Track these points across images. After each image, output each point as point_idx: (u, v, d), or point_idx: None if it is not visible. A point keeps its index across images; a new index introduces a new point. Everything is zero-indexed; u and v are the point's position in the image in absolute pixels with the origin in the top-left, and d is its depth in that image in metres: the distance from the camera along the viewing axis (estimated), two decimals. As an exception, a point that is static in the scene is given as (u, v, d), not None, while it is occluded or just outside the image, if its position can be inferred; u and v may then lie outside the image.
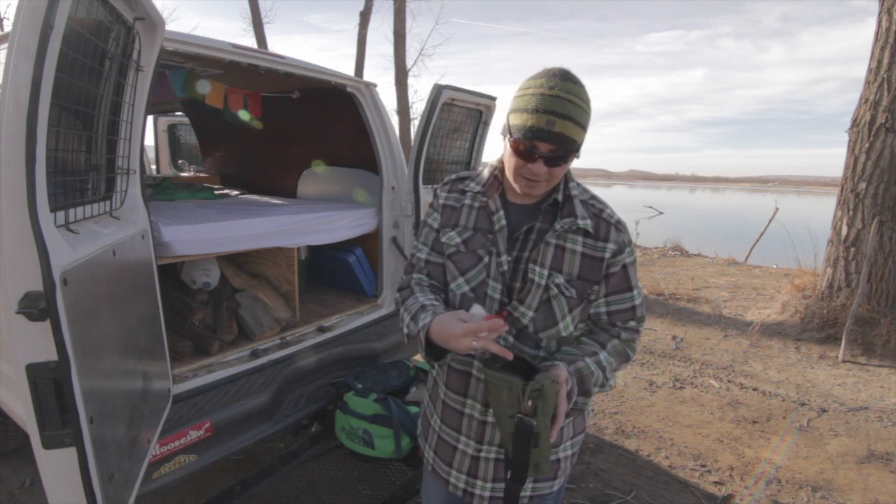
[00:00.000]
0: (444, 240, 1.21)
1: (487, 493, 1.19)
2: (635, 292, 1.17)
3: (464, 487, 1.23)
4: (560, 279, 1.11)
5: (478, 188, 1.20)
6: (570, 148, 1.02)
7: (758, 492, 2.50)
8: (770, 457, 2.79)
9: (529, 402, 0.95)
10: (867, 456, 2.79)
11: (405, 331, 1.13)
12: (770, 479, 2.60)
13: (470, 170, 3.06)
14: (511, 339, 1.15)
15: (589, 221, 1.12)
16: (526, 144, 1.03)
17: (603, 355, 1.13)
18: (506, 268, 1.13)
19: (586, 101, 1.02)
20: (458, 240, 1.18)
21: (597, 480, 2.54)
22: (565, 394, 1.01)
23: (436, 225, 1.24)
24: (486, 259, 1.15)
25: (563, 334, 1.14)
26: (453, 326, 0.98)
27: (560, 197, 1.13)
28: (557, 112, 0.98)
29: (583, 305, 1.15)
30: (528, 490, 1.20)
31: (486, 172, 1.21)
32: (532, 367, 1.01)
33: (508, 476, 1.04)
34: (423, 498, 1.43)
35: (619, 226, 1.15)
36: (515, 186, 1.11)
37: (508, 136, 1.07)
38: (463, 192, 1.23)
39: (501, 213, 1.16)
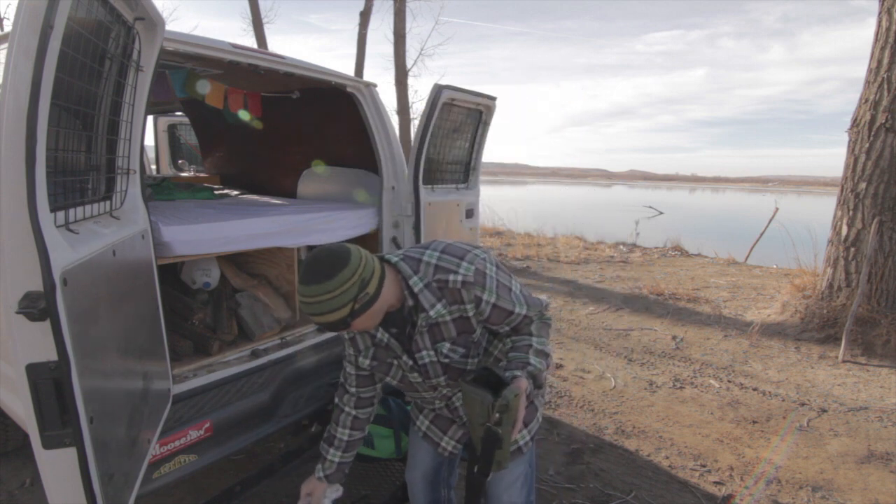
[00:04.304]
0: (358, 364, 1.52)
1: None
2: (517, 309, 1.37)
3: (451, 450, 1.64)
4: (445, 346, 1.38)
5: None
6: (345, 321, 1.23)
7: (758, 492, 2.50)
8: (770, 457, 2.79)
9: (497, 415, 1.15)
10: (867, 456, 2.79)
11: (322, 441, 1.64)
12: (770, 479, 2.60)
13: (470, 169, 3.11)
14: (445, 390, 1.50)
15: (439, 306, 1.33)
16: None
17: (535, 341, 1.37)
18: (411, 363, 1.43)
19: (328, 289, 1.19)
20: (367, 361, 1.49)
21: (597, 480, 2.55)
22: (524, 398, 1.21)
23: (351, 352, 1.53)
24: (395, 362, 1.45)
25: (472, 366, 1.43)
26: (302, 490, 1.61)
27: (410, 301, 1.34)
28: (314, 313, 1.23)
29: (473, 347, 1.42)
30: (527, 435, 1.54)
31: None
32: (501, 380, 1.21)
33: (475, 470, 1.28)
34: (409, 456, 1.72)
35: (466, 285, 1.31)
36: None
37: None
38: None
39: (381, 330, 1.42)
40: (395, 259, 1.36)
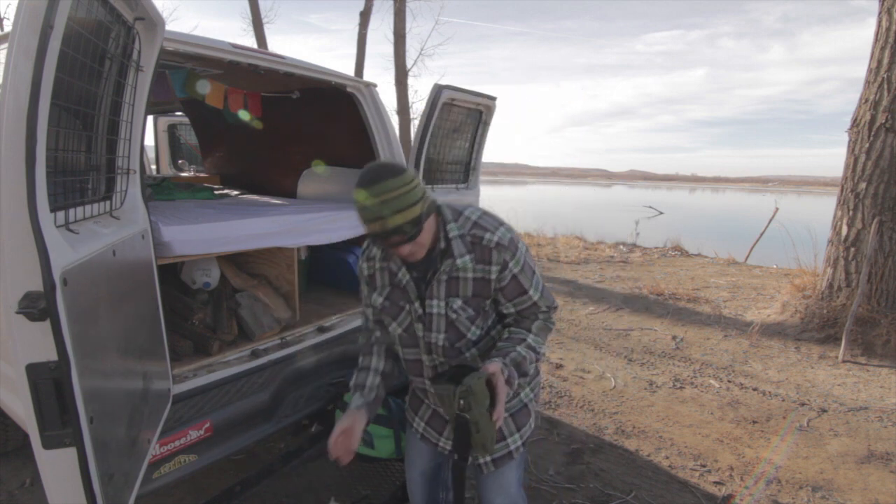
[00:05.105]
0: (371, 302, 1.50)
1: (489, 458, 1.49)
2: (531, 292, 1.39)
3: (450, 450, 1.53)
4: (457, 302, 1.37)
5: (380, 254, 1.45)
6: (412, 227, 1.22)
7: (758, 492, 2.50)
8: (770, 457, 2.79)
9: (461, 402, 1.19)
10: (867, 456, 2.79)
11: (350, 384, 1.55)
12: (770, 479, 2.60)
13: (470, 169, 3.13)
14: (440, 358, 1.43)
15: (468, 257, 1.33)
16: (382, 243, 1.29)
17: (531, 338, 1.38)
18: (420, 312, 1.40)
19: (400, 185, 1.20)
20: (380, 300, 1.47)
21: (597, 480, 2.55)
22: (503, 381, 1.24)
23: (366, 291, 1.53)
24: (406, 307, 1.43)
25: (473, 339, 1.41)
26: (336, 428, 1.42)
27: (442, 244, 1.34)
28: (381, 215, 1.19)
29: (482, 315, 1.41)
30: (518, 439, 1.50)
31: None
32: (473, 371, 1.25)
33: (455, 457, 1.31)
34: (406, 457, 1.69)
35: (499, 247, 1.33)
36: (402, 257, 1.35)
37: None
38: (372, 259, 1.48)
39: (404, 269, 1.40)
40: (437, 203, 1.36)
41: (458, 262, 1.33)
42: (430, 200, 1.29)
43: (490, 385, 1.23)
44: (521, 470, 1.58)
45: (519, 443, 1.51)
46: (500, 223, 1.38)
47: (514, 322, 1.44)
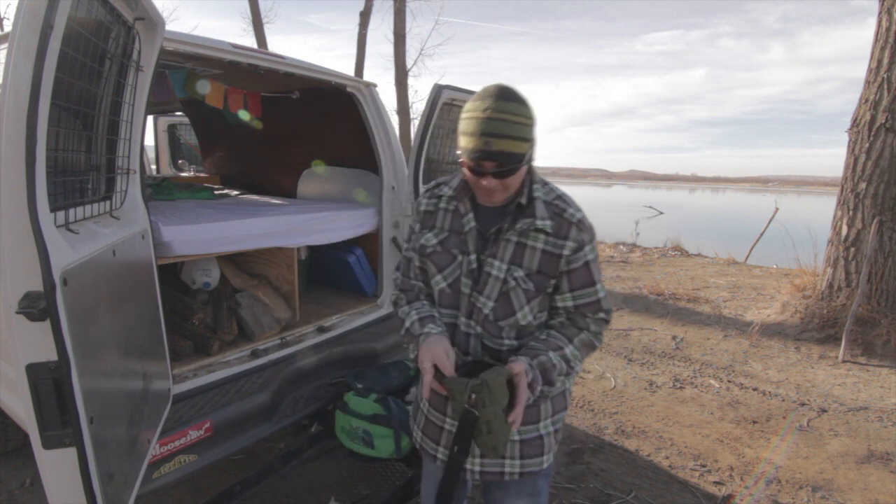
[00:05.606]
0: (421, 241, 1.34)
1: (477, 468, 1.33)
2: (598, 286, 1.27)
3: (446, 455, 1.35)
4: (519, 273, 1.23)
5: (450, 192, 1.32)
6: (513, 161, 1.13)
7: (758, 492, 2.50)
8: (770, 457, 2.79)
9: (472, 396, 1.10)
10: (867, 456, 2.79)
11: (407, 325, 1.32)
12: (770, 479, 2.60)
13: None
14: (479, 328, 1.28)
15: (548, 222, 1.22)
16: (473, 165, 1.15)
17: (569, 349, 1.24)
18: (474, 266, 1.26)
19: (524, 114, 1.13)
20: (434, 241, 1.32)
21: (597, 480, 2.54)
22: (526, 383, 1.14)
23: (417, 228, 1.38)
24: (459, 258, 1.29)
25: (522, 323, 1.26)
26: (432, 350, 1.20)
27: (524, 200, 1.23)
28: (494, 133, 1.10)
29: (540, 297, 1.26)
30: (517, 466, 1.33)
31: (458, 178, 1.32)
32: (491, 367, 1.16)
33: (455, 450, 1.21)
34: (423, 465, 1.56)
35: (580, 225, 1.23)
36: (477, 194, 1.26)
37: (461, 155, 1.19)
38: (439, 197, 1.34)
39: (471, 215, 1.28)
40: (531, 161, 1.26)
41: (539, 223, 1.21)
42: (534, 151, 1.20)
43: (511, 385, 1.14)
44: (546, 499, 1.48)
45: (517, 470, 1.34)
46: (581, 208, 1.29)
47: (559, 326, 1.29)
